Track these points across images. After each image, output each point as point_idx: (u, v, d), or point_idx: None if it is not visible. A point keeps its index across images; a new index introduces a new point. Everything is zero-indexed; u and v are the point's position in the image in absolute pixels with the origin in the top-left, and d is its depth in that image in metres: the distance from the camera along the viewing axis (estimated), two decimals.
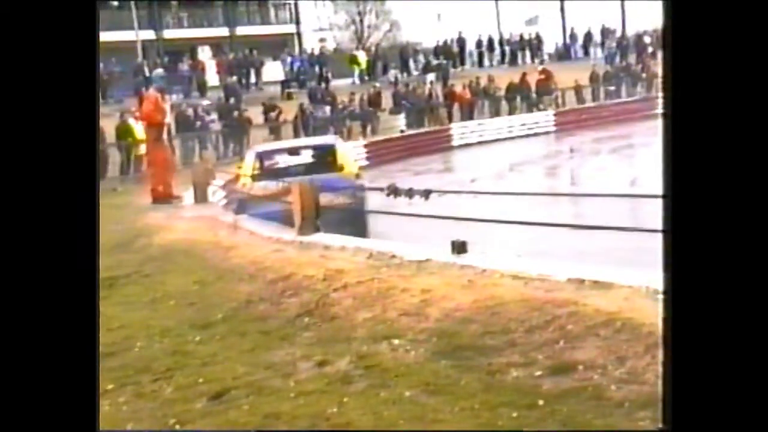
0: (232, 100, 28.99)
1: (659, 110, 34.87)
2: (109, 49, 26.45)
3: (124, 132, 22.38)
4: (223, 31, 39.87)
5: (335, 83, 34.33)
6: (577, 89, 36.04)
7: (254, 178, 14.06)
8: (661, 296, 5.40)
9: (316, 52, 37.65)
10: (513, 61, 41.59)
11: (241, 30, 40.09)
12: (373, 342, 5.71)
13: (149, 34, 37.03)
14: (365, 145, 27.41)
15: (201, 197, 15.32)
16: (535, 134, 31.58)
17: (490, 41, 42.47)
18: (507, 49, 42.52)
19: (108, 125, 21.32)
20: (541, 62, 39.98)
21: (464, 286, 6.51)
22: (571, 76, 36.09)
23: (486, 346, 5.26)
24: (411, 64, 38.97)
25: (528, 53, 42.71)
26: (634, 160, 23.47)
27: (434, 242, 8.21)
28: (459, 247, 7.61)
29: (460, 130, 31.29)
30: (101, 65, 26.04)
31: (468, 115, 32.59)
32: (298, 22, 43.51)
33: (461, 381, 4.82)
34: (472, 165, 24.26)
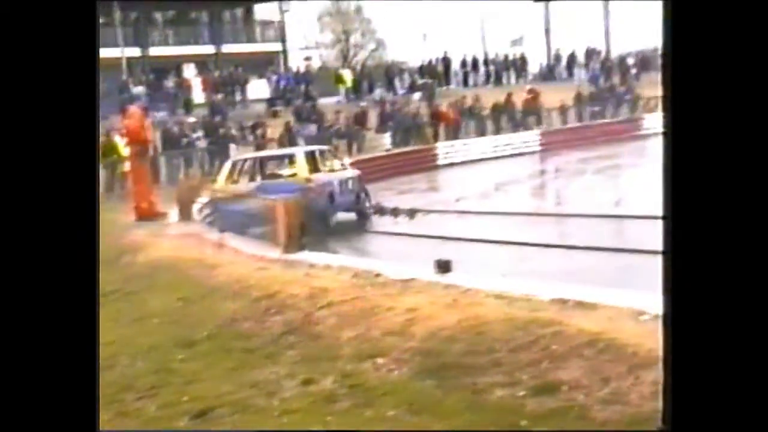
0: (218, 118, 28.97)
1: (644, 131, 34.98)
2: None
3: (109, 149, 22.29)
4: (209, 49, 39.87)
5: (321, 101, 34.34)
6: (562, 110, 36.17)
7: (229, 181, 16.77)
8: (644, 317, 5.42)
9: (302, 70, 37.69)
10: (498, 81, 41.73)
11: (227, 48, 40.12)
12: (358, 361, 5.71)
13: (135, 52, 37.00)
14: (351, 164, 27.41)
15: (185, 215, 15.28)
16: (521, 154, 31.64)
17: (475, 61, 42.61)
18: (492, 68, 42.66)
19: None
20: (527, 82, 40.11)
21: (449, 305, 6.51)
22: (556, 96, 36.23)
23: (470, 365, 5.27)
24: (397, 83, 39.03)
25: (513, 73, 42.85)
26: (619, 180, 23.53)
27: (420, 261, 8.22)
28: (443, 267, 7.62)
29: (445, 150, 31.32)
30: None
31: (454, 134, 32.65)
32: (283, 41, 43.55)
33: (445, 400, 4.83)
34: (457, 184, 24.28)
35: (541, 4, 47.53)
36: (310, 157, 17.22)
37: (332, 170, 17.26)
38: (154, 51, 38.27)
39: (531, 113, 34.86)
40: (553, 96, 36.09)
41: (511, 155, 31.33)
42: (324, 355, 5.99)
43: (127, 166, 19.31)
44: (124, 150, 19.96)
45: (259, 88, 35.29)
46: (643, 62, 43.89)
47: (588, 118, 36.80)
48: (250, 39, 42.85)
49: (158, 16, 40.61)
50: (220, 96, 32.65)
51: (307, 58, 42.03)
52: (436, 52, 41.50)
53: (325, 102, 34.26)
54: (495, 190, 22.50)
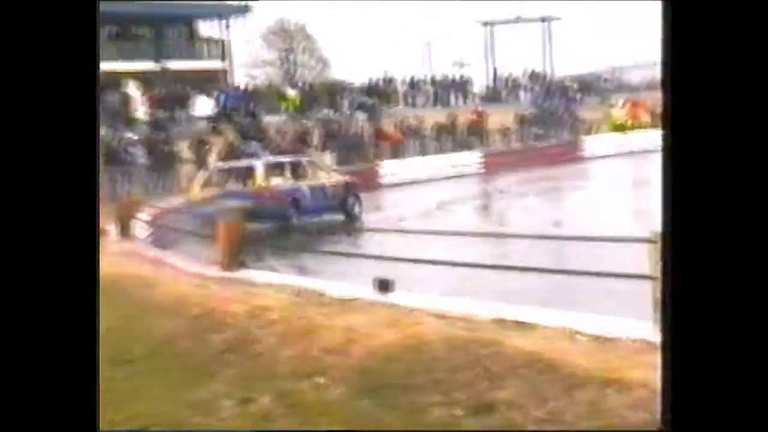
0: (161, 135, 28.73)
1: (584, 153, 35.30)
2: None
3: None
4: (153, 65, 39.57)
5: (266, 120, 34.21)
6: (504, 132, 36.48)
7: (202, 189, 19.36)
8: (581, 337, 5.48)
9: (249, 87, 37.55)
10: (445, 102, 41.94)
11: (171, 64, 39.84)
12: (297, 379, 5.69)
13: None
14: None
15: (125, 232, 15.14)
16: (463, 175, 31.81)
17: (421, 81, 42.78)
18: (437, 89, 42.87)
19: None
20: (473, 103, 40.38)
21: (389, 324, 6.52)
22: (500, 118, 36.54)
23: (409, 384, 5.28)
24: (341, 101, 39.03)
25: (459, 94, 43.08)
26: (559, 202, 23.78)
27: (361, 280, 8.23)
28: (384, 286, 7.64)
29: (389, 169, 31.39)
30: None
31: (397, 153, 32.76)
32: (228, 58, 43.33)
33: (384, 419, 4.83)
34: (400, 203, 24.33)
35: (487, 28, 48.08)
36: (295, 167, 20.59)
37: (315, 179, 20.47)
38: None
39: (476, 134, 35.11)
40: (496, 118, 36.40)
41: (454, 176, 31.48)
42: (263, 373, 5.96)
43: None
44: None
45: (203, 106, 35.07)
46: (584, 86, 44.51)
47: (530, 140, 37.17)
48: (195, 56, 42.61)
49: (101, 31, 40.29)
50: (163, 113, 32.38)
51: (251, 76, 41.90)
52: (380, 72, 41.62)
53: (269, 120, 34.15)
54: (437, 209, 22.58)
